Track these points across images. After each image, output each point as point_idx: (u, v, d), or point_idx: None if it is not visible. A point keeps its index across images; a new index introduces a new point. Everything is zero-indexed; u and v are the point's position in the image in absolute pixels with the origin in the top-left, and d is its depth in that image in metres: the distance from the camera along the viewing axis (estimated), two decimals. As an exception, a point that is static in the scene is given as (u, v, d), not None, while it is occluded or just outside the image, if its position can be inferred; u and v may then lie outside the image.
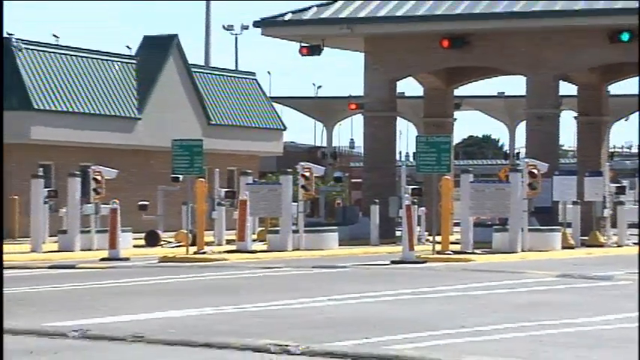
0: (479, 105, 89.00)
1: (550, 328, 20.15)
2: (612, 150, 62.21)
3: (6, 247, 37.85)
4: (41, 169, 41.62)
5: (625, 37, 48.91)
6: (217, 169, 37.40)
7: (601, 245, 44.73)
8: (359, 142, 64.33)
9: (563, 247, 42.18)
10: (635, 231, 48.94)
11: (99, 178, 39.94)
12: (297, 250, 39.24)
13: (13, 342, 16.01)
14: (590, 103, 55.11)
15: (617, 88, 67.01)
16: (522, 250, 40.01)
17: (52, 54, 49.19)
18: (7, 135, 43.08)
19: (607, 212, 47.43)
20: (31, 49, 47.97)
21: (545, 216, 43.57)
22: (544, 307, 23.75)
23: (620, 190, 51.28)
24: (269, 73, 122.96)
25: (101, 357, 16.47)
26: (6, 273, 31.12)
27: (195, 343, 18.10)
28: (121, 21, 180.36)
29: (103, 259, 37.23)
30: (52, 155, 45.01)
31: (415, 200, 39.87)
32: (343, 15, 52.17)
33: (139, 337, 18.04)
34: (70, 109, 48.06)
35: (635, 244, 45.76)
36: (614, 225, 47.10)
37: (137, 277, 32.23)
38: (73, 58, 49.74)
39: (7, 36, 47.21)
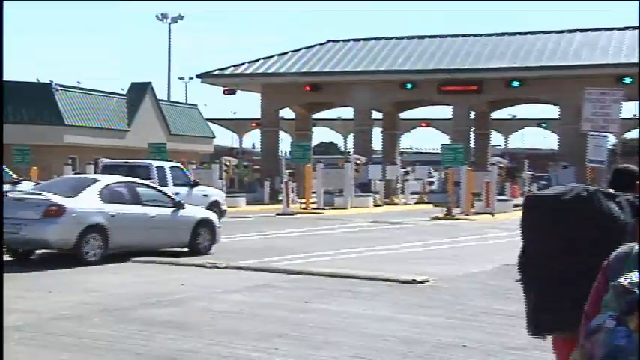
0: (327, 124, 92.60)
1: (369, 251, 20.94)
2: (402, 150, 62.34)
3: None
4: (70, 160, 42.50)
5: (408, 85, 50.34)
6: (175, 160, 37.30)
7: (396, 204, 46.19)
8: (257, 145, 65.12)
9: (375, 206, 43.27)
10: (416, 195, 50.92)
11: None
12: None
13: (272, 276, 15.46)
14: (389, 122, 56.82)
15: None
16: (351, 208, 40.70)
17: (76, 92, 50.32)
18: (50, 140, 44.73)
19: (399, 185, 49.60)
20: (63, 89, 48.91)
21: (364, 188, 44.48)
22: (364, 240, 24.19)
23: (407, 173, 53.79)
24: (205, 104, 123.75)
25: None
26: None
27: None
28: (119, 72, 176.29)
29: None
30: (76, 152, 45.31)
31: (290, 179, 40.43)
32: (248, 71, 54.30)
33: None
34: (87, 125, 48.93)
35: (415, 203, 48.17)
36: (403, 192, 49.17)
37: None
38: (89, 94, 50.90)
39: (49, 81, 48.37)
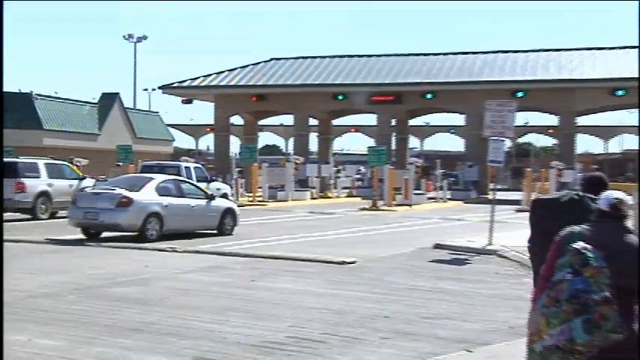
0: (271, 129, 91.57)
1: (307, 237, 21.10)
2: (334, 151, 62.01)
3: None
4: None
5: (340, 97, 50.51)
6: (139, 160, 36.91)
7: (329, 197, 45.69)
8: (211, 147, 64.82)
9: (311, 199, 42.80)
10: (346, 190, 49.97)
11: (79, 164, 38.76)
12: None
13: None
14: (323, 128, 56.71)
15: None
16: (291, 200, 40.21)
17: (53, 100, 49.43)
18: (30, 142, 43.80)
19: (331, 181, 48.42)
20: (42, 98, 47.89)
21: (302, 183, 43.88)
22: (303, 227, 24.13)
23: (338, 171, 53.32)
24: (166, 112, 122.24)
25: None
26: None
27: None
28: (91, 83, 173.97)
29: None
30: (53, 153, 41.91)
31: (239, 176, 40.54)
32: (203, 84, 53.87)
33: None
34: (63, 129, 47.87)
35: (346, 196, 47.06)
36: (335, 187, 49.04)
37: None
38: (65, 103, 50.05)
39: (30, 91, 47.42)
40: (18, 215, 25.63)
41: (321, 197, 44.67)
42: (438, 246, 18.51)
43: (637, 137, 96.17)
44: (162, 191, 20.22)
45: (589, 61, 49.17)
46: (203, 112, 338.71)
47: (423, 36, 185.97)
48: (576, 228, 5.02)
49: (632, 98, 45.70)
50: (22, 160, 26.92)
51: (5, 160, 26.46)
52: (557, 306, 4.58)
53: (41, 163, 26.84)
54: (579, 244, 4.70)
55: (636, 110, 65.74)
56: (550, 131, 75.36)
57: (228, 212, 21.77)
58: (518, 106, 21.17)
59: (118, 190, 19.68)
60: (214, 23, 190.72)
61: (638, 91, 29.88)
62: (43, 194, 25.38)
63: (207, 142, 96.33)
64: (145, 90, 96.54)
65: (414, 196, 37.94)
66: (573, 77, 47.40)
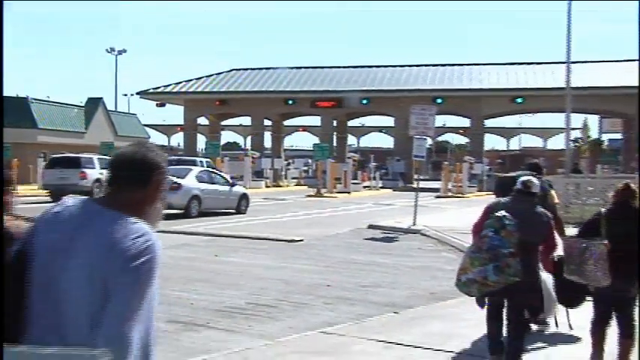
0: (232, 128, 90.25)
1: (261, 219, 20.64)
2: (285, 148, 61.70)
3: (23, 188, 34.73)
4: (42, 154, 39.24)
5: (290, 102, 50.31)
6: (93, 154, 35.60)
7: (281, 186, 44.27)
8: (181, 144, 63.86)
9: (266, 187, 41.81)
10: (295, 180, 49.08)
11: None
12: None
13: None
14: (276, 128, 55.64)
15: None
16: (249, 188, 35.36)
17: (46, 104, 47.39)
18: (26, 139, 42.01)
19: (283, 172, 47.07)
20: (37, 102, 46.02)
21: (258, 174, 42.64)
22: (258, 211, 23.58)
23: (288, 164, 52.30)
24: (142, 114, 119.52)
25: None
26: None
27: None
28: (79, 88, 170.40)
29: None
30: (46, 148, 41.98)
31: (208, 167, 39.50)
32: (174, 90, 53.46)
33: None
34: (55, 128, 45.98)
35: (295, 185, 45.83)
36: (286, 178, 47.41)
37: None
38: (56, 105, 48.04)
39: (25, 96, 45.58)
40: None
41: (274, 186, 44.06)
42: (371, 226, 18.44)
43: (534, 137, 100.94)
44: (199, 179, 21.77)
45: (494, 74, 49.65)
46: (174, 114, 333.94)
47: (360, 50, 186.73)
48: (502, 200, 6.03)
49: (529, 105, 48.74)
50: (82, 155, 30.31)
51: (70, 155, 30.56)
52: (480, 253, 5.52)
53: (95, 157, 29.92)
54: (501, 212, 5.63)
55: (531, 115, 67.99)
56: (463, 131, 75.87)
57: (244, 196, 23.41)
58: (438, 111, 21.39)
59: (169, 177, 19.38)
60: (184, 37, 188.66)
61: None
62: (98, 180, 27.50)
63: (178, 139, 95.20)
64: (125, 95, 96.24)
65: (351, 185, 37.85)
66: (482, 87, 47.95)
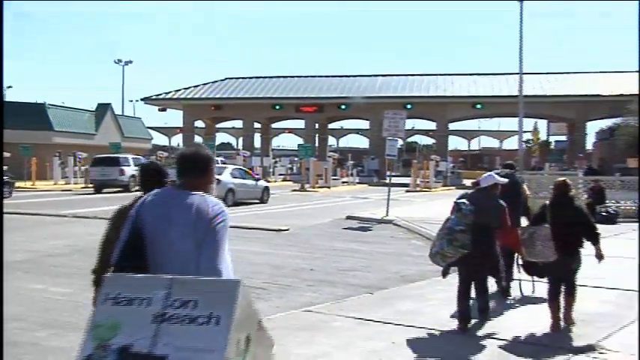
0: (226, 130, 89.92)
1: (252, 211, 20.33)
2: (273, 148, 60.85)
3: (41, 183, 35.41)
4: (57, 153, 39.34)
5: (277, 107, 49.32)
6: (128, 154, 35.79)
7: (269, 182, 41.67)
8: (181, 144, 62.90)
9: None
10: (282, 176, 48.43)
11: (80, 157, 38.26)
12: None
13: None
14: (265, 130, 55.10)
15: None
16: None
17: (61, 109, 46.92)
18: (43, 140, 41.52)
19: (271, 169, 46.99)
20: (53, 107, 45.51)
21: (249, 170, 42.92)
22: (251, 204, 23.14)
23: (276, 162, 52.25)
24: (146, 117, 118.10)
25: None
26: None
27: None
28: (90, 95, 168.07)
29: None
30: (60, 148, 41.50)
31: None
32: (175, 97, 52.68)
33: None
34: (69, 131, 45.43)
35: (282, 180, 45.36)
36: (274, 174, 46.58)
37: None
38: (69, 110, 47.59)
39: (43, 102, 45.13)
40: (115, 190, 29.17)
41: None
42: (349, 217, 18.25)
43: (492, 139, 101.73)
44: (233, 175, 22.96)
45: (457, 83, 49.36)
46: (174, 117, 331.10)
47: (341, 60, 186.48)
48: (468, 192, 6.74)
49: (488, 111, 49.04)
50: (119, 155, 32.07)
51: (110, 155, 31.80)
52: (443, 231, 6.31)
53: (130, 157, 31.57)
54: (461, 200, 6.41)
55: (489, 119, 68.56)
56: (430, 133, 75.62)
57: (266, 189, 24.75)
58: (408, 115, 21.31)
59: None
60: (183, 50, 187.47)
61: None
62: (133, 176, 28.40)
63: (178, 140, 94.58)
64: (131, 101, 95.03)
65: (332, 180, 37.51)
66: (446, 94, 47.76)
